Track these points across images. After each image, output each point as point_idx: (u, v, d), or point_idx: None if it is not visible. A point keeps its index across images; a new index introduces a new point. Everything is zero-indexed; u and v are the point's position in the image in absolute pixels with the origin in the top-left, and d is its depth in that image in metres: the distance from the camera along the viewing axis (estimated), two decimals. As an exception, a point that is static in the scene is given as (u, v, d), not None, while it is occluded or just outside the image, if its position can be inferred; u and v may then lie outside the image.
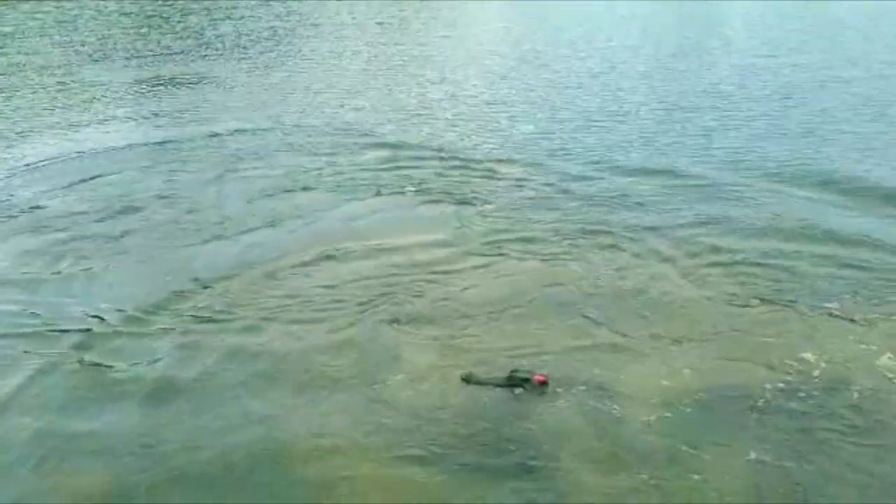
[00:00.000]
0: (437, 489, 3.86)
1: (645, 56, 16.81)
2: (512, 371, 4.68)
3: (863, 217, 7.21)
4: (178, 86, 14.41)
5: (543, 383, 4.57)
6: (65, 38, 20.78)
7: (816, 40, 18.46)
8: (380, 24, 23.90)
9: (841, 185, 8.06)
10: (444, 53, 18.09)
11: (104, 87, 14.26)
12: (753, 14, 24.38)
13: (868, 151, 9.31)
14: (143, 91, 14.00)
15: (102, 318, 5.61)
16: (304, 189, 8.46)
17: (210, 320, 5.56)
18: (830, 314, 5.41)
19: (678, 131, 10.49)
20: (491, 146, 9.96)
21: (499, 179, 8.60)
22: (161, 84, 14.57)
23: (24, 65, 16.66)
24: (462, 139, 10.33)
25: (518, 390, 4.55)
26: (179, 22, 24.56)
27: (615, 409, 4.41)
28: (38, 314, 5.73)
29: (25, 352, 5.21)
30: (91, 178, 8.95)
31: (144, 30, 22.59)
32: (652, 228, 7.01)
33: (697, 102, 12.18)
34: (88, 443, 4.30)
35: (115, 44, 19.84)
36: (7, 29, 22.88)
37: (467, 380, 4.68)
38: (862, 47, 17.25)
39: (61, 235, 7.24)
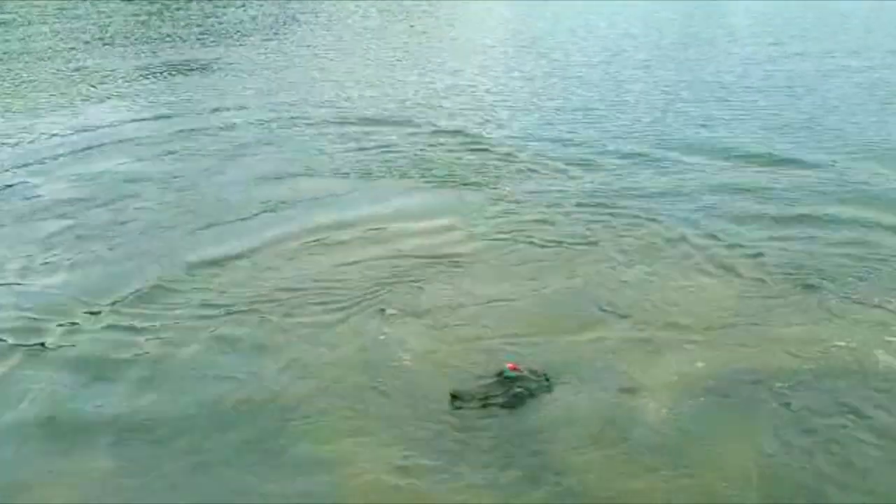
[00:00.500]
0: (441, 487, 3.73)
1: (651, 48, 16.75)
2: (497, 375, 4.39)
3: (881, 201, 7.12)
4: (181, 72, 14.35)
5: (514, 370, 4.33)
6: (66, 26, 20.67)
7: (819, 32, 18.40)
8: (382, 11, 23.79)
9: (855, 170, 8.01)
10: (450, 42, 18.01)
11: (105, 74, 14.19)
12: (755, 9, 24.27)
13: (882, 136, 9.29)
14: (145, 78, 13.92)
15: (87, 309, 5.48)
16: (307, 174, 8.40)
17: (198, 308, 5.45)
18: (852, 300, 5.29)
19: (690, 117, 10.44)
20: (499, 132, 9.91)
21: (508, 164, 8.52)
22: (164, 71, 14.50)
23: (25, 52, 16.58)
24: (471, 125, 10.27)
25: (518, 389, 4.32)
26: (180, 9, 24.44)
27: (626, 401, 4.29)
28: (20, 303, 5.62)
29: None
30: (89, 164, 8.91)
31: (144, 17, 22.48)
32: (666, 213, 6.93)
33: (705, 89, 12.15)
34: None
35: (117, 31, 19.75)
36: (7, 17, 22.76)
37: (457, 397, 4.29)
38: (863, 40, 17.21)
39: (49, 221, 7.18)
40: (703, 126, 9.97)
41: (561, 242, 6.42)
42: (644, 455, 3.90)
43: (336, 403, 4.39)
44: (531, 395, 4.33)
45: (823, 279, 5.61)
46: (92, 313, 5.44)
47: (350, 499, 3.71)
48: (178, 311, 5.43)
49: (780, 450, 3.91)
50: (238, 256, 6.29)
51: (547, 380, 4.43)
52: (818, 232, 6.45)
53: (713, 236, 6.41)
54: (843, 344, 4.76)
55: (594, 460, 3.88)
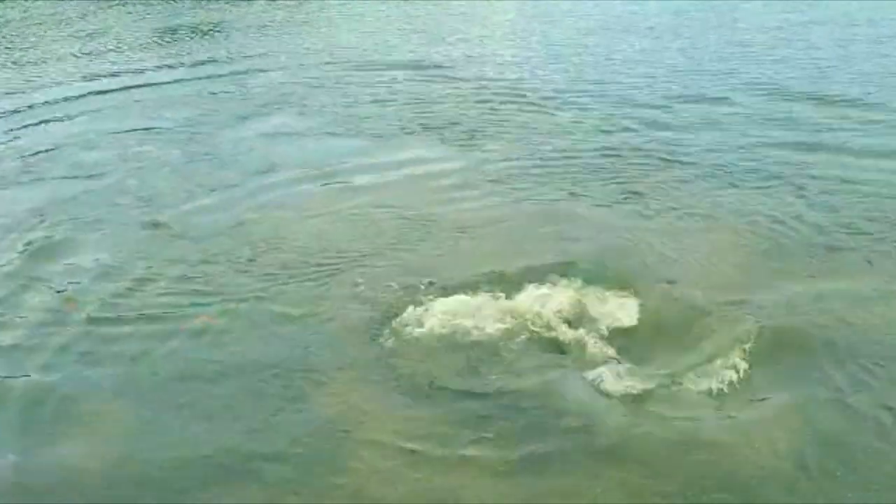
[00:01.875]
0: (447, 482, 3.53)
1: (665, 15, 16.38)
2: None
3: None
4: (193, 33, 14.33)
5: None
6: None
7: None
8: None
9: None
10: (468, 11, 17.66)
11: (115, 35, 14.15)
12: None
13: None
14: (159, 39, 13.91)
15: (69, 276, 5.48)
16: (313, 134, 8.39)
17: (190, 273, 5.39)
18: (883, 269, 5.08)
19: (704, 79, 10.24)
20: (514, 83, 9.97)
21: (532, 121, 8.49)
22: (177, 32, 14.46)
23: (35, 16, 16.36)
24: (489, 80, 10.29)
25: None
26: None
27: (636, 388, 4.04)
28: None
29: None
30: (93, 125, 8.95)
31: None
32: (680, 180, 6.71)
33: (723, 50, 11.97)
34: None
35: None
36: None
37: None
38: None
39: (52, 181, 7.23)
40: (728, 86, 9.73)
41: (587, 201, 6.22)
42: (654, 445, 3.70)
43: (339, 376, 4.22)
44: None
45: (853, 234, 5.42)
46: (74, 279, 5.43)
47: (357, 495, 3.51)
48: (173, 274, 5.38)
49: (798, 441, 3.70)
50: (230, 216, 6.26)
51: None
52: (841, 207, 6.10)
53: (744, 194, 6.23)
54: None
55: (603, 451, 3.68)
